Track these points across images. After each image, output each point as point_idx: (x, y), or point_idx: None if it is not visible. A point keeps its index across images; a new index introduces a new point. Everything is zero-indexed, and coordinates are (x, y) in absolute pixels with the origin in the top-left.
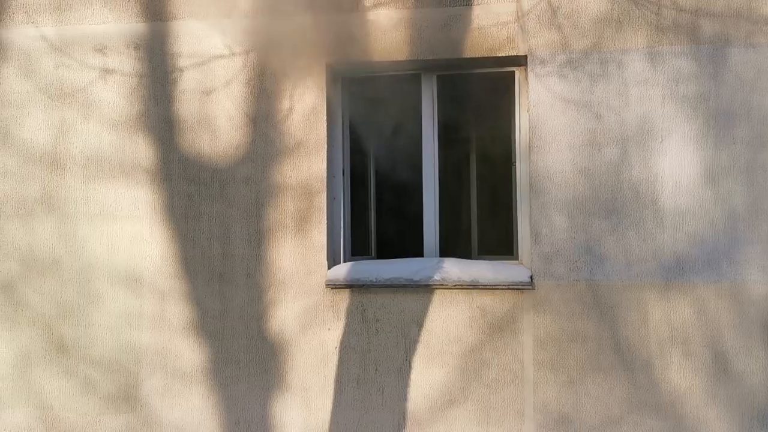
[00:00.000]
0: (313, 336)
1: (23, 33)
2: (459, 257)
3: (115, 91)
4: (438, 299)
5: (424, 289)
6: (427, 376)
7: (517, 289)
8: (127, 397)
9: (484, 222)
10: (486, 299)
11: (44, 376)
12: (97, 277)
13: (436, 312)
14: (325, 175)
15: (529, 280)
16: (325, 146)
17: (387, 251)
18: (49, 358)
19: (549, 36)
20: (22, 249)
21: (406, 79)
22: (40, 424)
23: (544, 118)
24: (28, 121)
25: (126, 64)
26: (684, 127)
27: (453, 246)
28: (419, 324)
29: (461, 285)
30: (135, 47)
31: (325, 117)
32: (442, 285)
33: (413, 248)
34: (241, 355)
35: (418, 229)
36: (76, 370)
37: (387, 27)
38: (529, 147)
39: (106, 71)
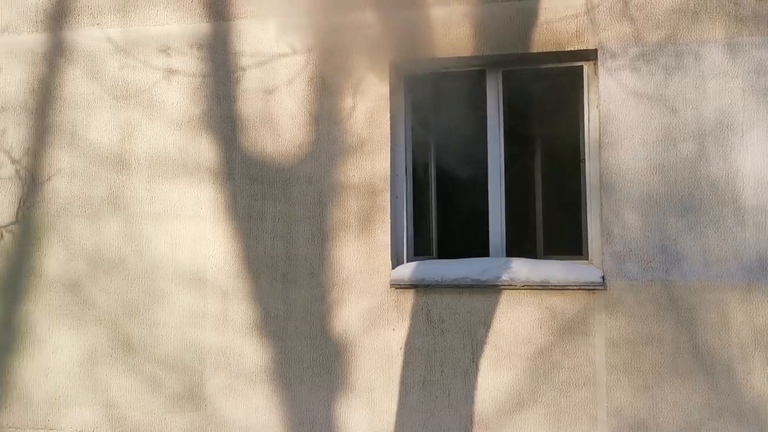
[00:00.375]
0: (377, 336)
1: (88, 35)
2: (525, 257)
3: (178, 92)
4: (506, 300)
5: (492, 289)
6: (494, 379)
7: (588, 289)
8: (191, 396)
9: (550, 221)
10: (556, 300)
11: (110, 375)
12: (161, 277)
13: (504, 313)
14: (388, 173)
15: (601, 280)
16: (389, 144)
17: (447, 251)
18: (115, 356)
19: (620, 28)
20: (88, 248)
21: (470, 75)
22: (106, 422)
23: (616, 114)
24: (93, 122)
25: (189, 64)
26: (766, 121)
27: (518, 246)
28: (486, 325)
29: (530, 285)
30: (198, 47)
31: (388, 115)
32: (510, 285)
33: (474, 248)
34: (305, 356)
35: (478, 229)
36: (142, 368)
37: (451, 23)
38: (600, 143)
39: (170, 71)
